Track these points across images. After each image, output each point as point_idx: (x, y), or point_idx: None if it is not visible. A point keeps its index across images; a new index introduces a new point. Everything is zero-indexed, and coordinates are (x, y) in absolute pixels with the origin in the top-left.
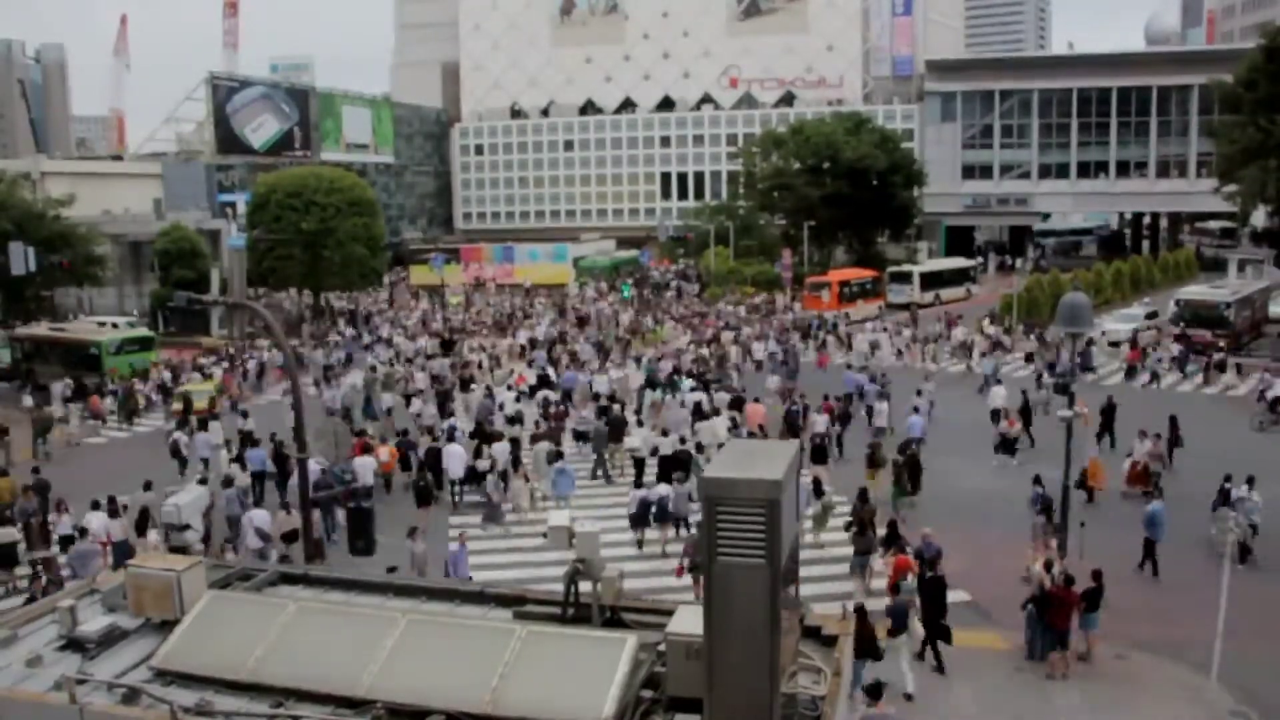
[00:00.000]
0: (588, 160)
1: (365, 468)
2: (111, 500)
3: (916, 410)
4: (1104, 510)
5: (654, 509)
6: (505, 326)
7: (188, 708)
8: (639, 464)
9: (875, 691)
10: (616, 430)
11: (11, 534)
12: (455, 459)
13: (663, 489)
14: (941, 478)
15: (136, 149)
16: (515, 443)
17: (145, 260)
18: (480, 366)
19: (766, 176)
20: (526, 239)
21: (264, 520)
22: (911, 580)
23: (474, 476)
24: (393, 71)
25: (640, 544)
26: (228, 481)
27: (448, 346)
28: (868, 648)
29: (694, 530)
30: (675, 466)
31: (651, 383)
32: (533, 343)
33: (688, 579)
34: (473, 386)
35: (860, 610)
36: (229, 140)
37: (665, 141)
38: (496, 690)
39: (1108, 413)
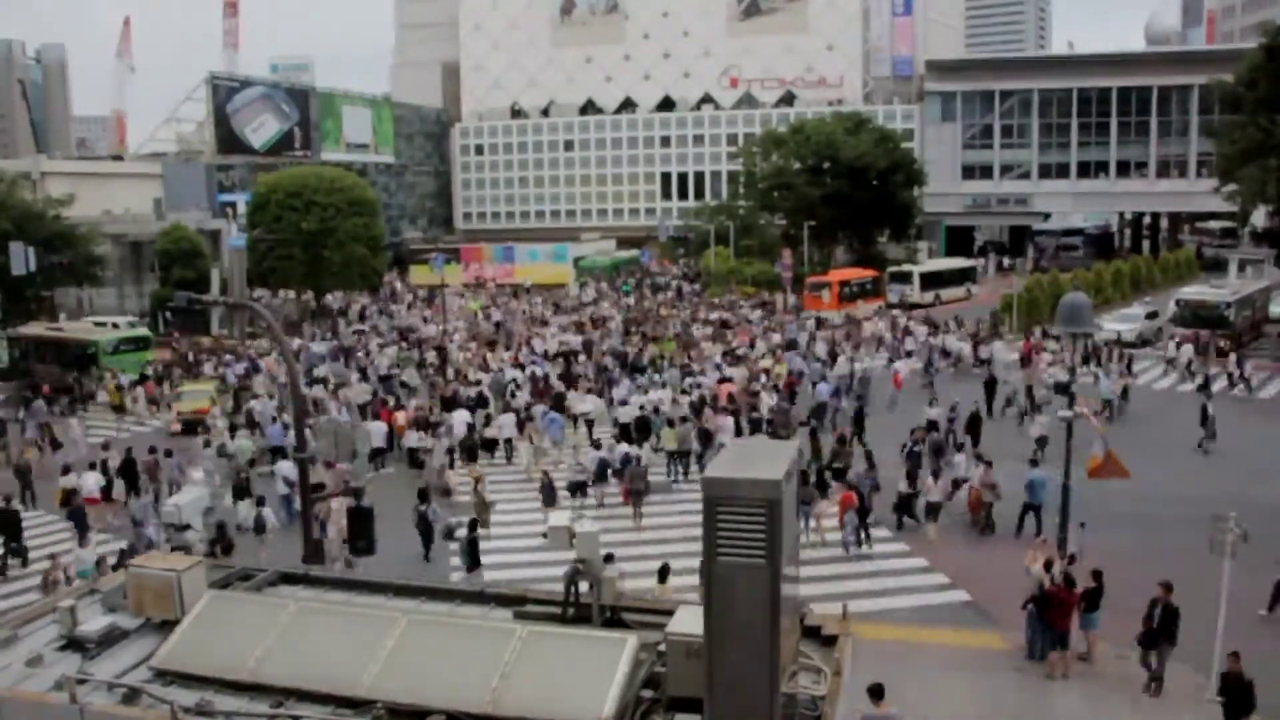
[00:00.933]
0: (588, 160)
1: (377, 432)
2: (103, 464)
3: (824, 379)
4: (1104, 510)
5: (611, 468)
6: (496, 341)
7: (188, 708)
8: (589, 426)
9: (877, 692)
10: (558, 401)
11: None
12: (460, 423)
13: (623, 449)
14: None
15: (137, 149)
16: (517, 413)
17: (145, 260)
18: (472, 381)
19: (766, 176)
20: (527, 239)
21: (290, 470)
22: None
23: (487, 445)
24: (393, 71)
25: (601, 502)
26: (164, 452)
27: (442, 354)
28: None
29: (642, 464)
30: (638, 429)
31: (637, 368)
32: (549, 356)
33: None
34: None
35: None
36: (229, 140)
37: (665, 141)
38: (497, 690)
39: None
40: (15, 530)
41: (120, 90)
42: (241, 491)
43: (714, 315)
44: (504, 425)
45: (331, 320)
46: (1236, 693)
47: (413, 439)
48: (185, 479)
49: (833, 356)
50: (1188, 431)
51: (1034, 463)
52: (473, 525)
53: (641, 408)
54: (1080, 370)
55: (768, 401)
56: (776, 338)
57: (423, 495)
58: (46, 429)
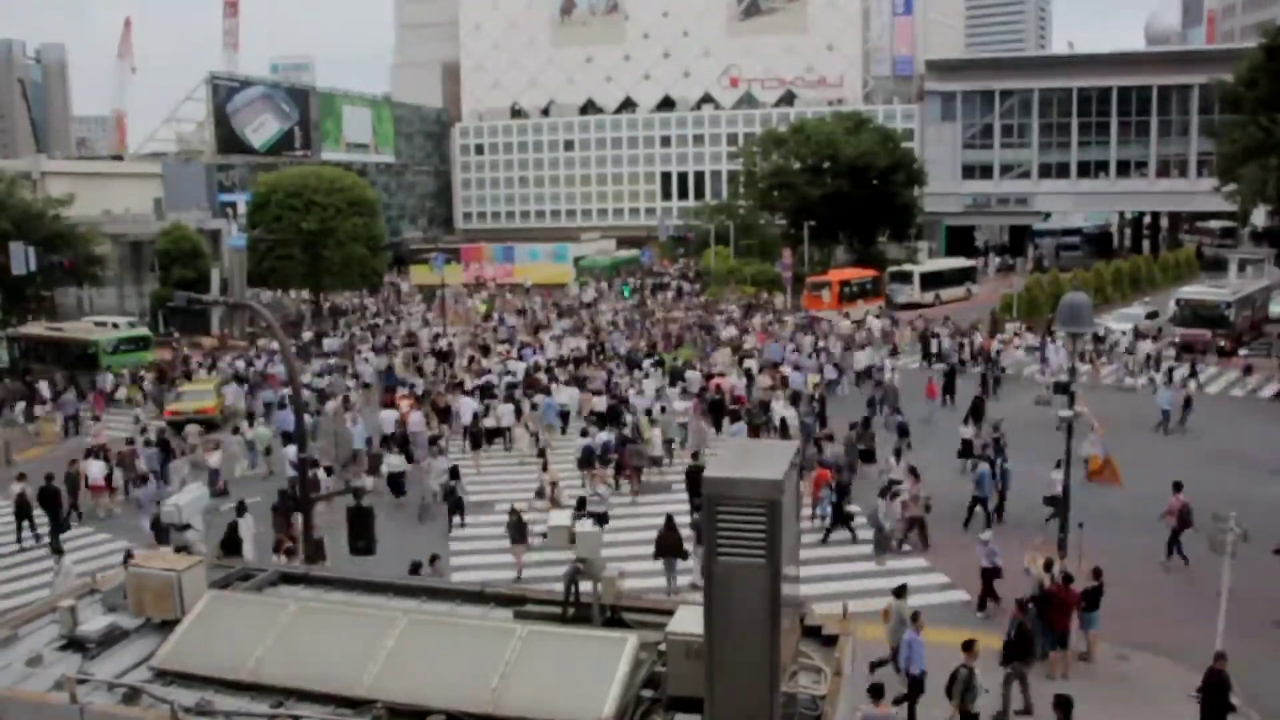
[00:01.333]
0: (588, 160)
1: (388, 420)
2: (104, 453)
3: (798, 368)
4: (1103, 510)
5: (597, 452)
6: (489, 346)
7: (188, 708)
8: (565, 416)
9: (877, 692)
10: (543, 392)
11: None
12: (466, 409)
13: (603, 435)
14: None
15: (137, 149)
16: (516, 403)
17: (145, 260)
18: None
19: (766, 176)
20: (527, 239)
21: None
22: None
23: (491, 434)
24: (393, 71)
25: (585, 483)
26: (148, 443)
27: (442, 357)
28: (675, 549)
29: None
30: (610, 417)
31: (631, 362)
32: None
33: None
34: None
35: (669, 519)
36: (229, 140)
37: (665, 141)
38: (497, 690)
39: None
40: (56, 507)
41: (120, 90)
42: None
43: (718, 318)
44: (503, 415)
45: (332, 319)
46: (1216, 691)
47: (394, 462)
48: (160, 466)
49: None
50: (1182, 431)
51: (981, 457)
52: (581, 503)
53: (614, 396)
54: (1140, 376)
55: (780, 412)
56: (809, 340)
57: (453, 473)
58: (71, 420)
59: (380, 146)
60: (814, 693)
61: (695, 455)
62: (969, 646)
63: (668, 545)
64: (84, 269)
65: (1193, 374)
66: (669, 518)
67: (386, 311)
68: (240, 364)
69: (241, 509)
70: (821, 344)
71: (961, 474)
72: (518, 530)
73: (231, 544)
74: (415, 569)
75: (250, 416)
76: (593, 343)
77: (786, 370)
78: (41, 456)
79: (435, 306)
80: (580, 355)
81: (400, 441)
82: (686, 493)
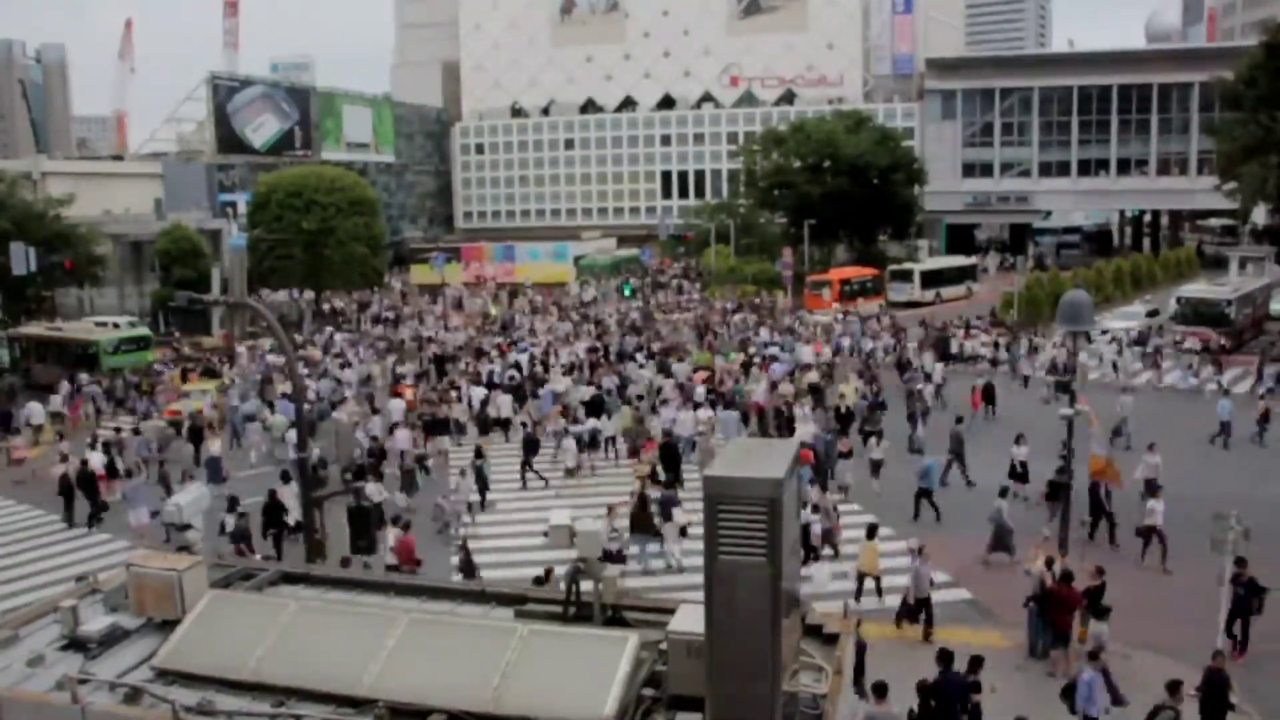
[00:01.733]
0: (588, 159)
1: (396, 408)
2: (105, 445)
3: (777, 359)
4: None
5: (580, 440)
6: (485, 352)
7: (189, 707)
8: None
9: (880, 689)
10: (539, 382)
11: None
12: (475, 396)
13: (591, 424)
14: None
15: (137, 149)
16: (515, 393)
17: (146, 260)
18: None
19: (767, 175)
20: (527, 238)
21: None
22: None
23: (497, 423)
24: (393, 71)
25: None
26: (136, 432)
27: (440, 364)
28: (647, 527)
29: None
30: (596, 408)
31: (622, 355)
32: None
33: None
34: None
35: (642, 496)
36: (230, 140)
37: (666, 140)
38: (498, 689)
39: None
40: (94, 490)
41: (121, 90)
42: (362, 472)
43: (734, 318)
44: (502, 406)
45: (333, 320)
46: (1215, 689)
47: (372, 490)
48: (153, 456)
49: (900, 366)
50: (1179, 430)
51: (920, 451)
52: (671, 483)
53: (598, 387)
54: (1199, 379)
55: (802, 425)
56: (848, 342)
57: (478, 453)
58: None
59: (380, 146)
60: (815, 691)
61: (667, 434)
62: (1175, 688)
63: (641, 523)
64: (84, 269)
65: (1259, 379)
66: (643, 496)
67: (397, 310)
68: (271, 357)
69: (286, 477)
70: (872, 345)
71: (1014, 498)
72: (468, 567)
73: (273, 510)
74: (539, 581)
75: (270, 405)
76: (595, 346)
77: (814, 376)
78: (44, 455)
79: (441, 306)
80: (592, 361)
81: (379, 455)
82: (661, 466)
